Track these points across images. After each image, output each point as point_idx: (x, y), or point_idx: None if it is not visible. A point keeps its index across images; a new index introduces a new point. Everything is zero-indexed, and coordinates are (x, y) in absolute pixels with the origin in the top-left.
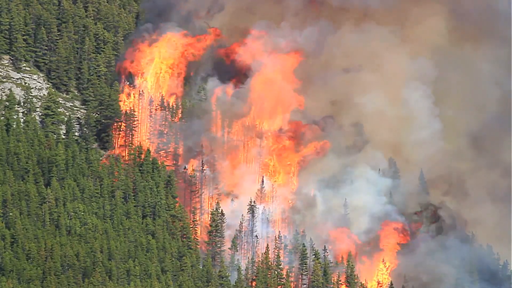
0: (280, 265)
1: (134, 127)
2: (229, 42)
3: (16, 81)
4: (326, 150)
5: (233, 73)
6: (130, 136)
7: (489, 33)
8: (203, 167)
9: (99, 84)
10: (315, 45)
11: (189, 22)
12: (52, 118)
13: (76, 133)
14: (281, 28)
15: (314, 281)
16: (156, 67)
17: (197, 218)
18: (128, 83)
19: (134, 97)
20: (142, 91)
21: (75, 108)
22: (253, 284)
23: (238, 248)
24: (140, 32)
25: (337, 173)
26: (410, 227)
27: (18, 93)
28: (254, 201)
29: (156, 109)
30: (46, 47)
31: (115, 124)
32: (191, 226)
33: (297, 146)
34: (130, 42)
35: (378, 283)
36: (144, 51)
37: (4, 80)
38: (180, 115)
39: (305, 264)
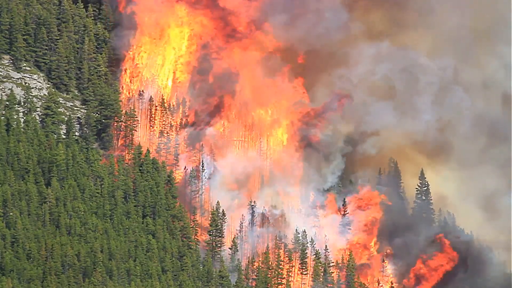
0: (280, 265)
1: (134, 127)
2: None
3: (16, 81)
4: None
5: None
6: (130, 136)
7: None
8: (203, 167)
9: (99, 84)
10: None
11: None
12: (52, 118)
13: (76, 133)
14: None
15: (314, 281)
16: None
17: (197, 218)
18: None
19: (134, 95)
20: (142, 90)
21: (75, 108)
22: (253, 284)
23: (238, 248)
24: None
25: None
26: None
27: (18, 93)
28: (255, 201)
29: (156, 109)
30: (46, 47)
31: (115, 124)
32: (191, 226)
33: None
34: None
35: (378, 283)
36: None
37: (4, 80)
38: (180, 114)
39: (305, 264)
